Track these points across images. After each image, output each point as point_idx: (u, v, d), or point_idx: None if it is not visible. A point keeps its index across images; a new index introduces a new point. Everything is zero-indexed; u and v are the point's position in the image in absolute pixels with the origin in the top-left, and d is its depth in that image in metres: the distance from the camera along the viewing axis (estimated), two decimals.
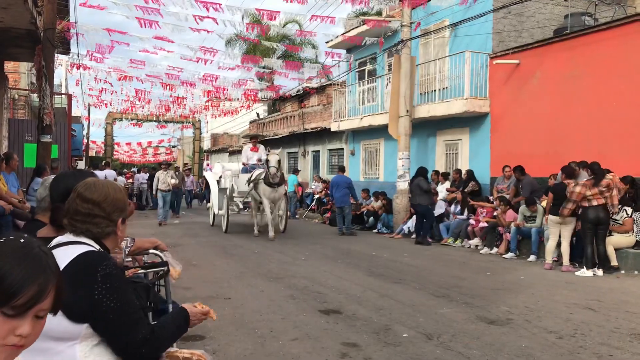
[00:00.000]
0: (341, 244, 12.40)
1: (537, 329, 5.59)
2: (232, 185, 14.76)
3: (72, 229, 2.10)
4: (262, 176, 13.16)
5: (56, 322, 1.77)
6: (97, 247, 2.07)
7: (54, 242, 2.07)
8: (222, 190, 15.46)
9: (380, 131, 17.97)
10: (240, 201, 15.05)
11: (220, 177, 15.80)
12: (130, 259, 3.93)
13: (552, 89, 12.64)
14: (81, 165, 33.12)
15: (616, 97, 11.15)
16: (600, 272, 8.85)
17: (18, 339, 1.28)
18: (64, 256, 1.92)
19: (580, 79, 11.96)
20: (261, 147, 15.39)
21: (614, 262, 9.09)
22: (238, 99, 25.53)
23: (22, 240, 1.33)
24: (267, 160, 12.89)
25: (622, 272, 9.03)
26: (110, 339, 1.95)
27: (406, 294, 7.18)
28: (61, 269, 1.83)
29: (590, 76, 11.75)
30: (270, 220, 13.22)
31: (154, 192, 18.56)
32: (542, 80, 12.95)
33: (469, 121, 15.00)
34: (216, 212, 15.76)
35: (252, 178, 13.77)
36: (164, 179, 17.26)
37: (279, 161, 12.94)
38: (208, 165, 33.83)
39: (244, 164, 15.04)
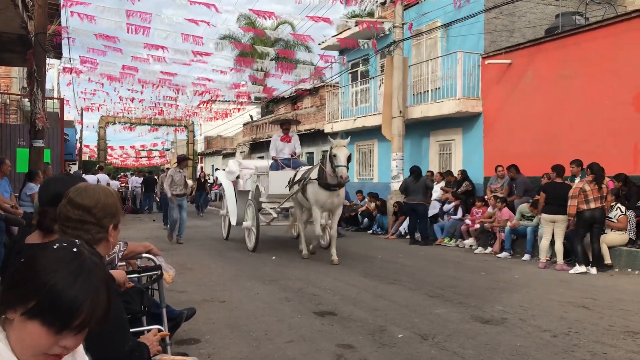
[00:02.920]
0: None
1: (531, 327, 5.60)
2: (258, 187, 11.80)
3: (62, 236, 2.08)
4: (316, 175, 9.97)
5: None
6: None
7: None
8: (242, 195, 12.47)
9: (373, 132, 17.99)
10: (273, 208, 11.71)
11: (237, 177, 12.79)
12: (123, 263, 3.93)
13: (544, 88, 12.69)
14: (76, 169, 32.99)
15: (608, 96, 11.20)
16: (594, 270, 8.89)
17: (61, 349, 1.28)
18: None
19: (572, 78, 12.01)
20: (294, 137, 12.29)
21: (608, 260, 9.12)
22: (233, 101, 25.53)
23: (74, 250, 1.32)
24: (332, 156, 9.46)
25: (616, 270, 9.07)
26: (98, 352, 1.91)
27: (401, 294, 7.18)
28: None
29: (582, 75, 11.80)
30: (321, 236, 10.92)
31: (161, 196, 16.26)
32: (534, 80, 13.00)
33: (462, 121, 15.03)
34: (233, 223, 12.65)
35: (298, 178, 10.67)
36: (180, 180, 12.96)
37: (350, 157, 9.75)
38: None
39: (274, 158, 11.82)
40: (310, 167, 10.88)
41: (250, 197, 12.01)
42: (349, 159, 9.58)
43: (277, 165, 11.63)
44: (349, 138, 10.47)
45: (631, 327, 5.65)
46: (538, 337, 5.26)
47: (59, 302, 1.22)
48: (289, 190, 10.96)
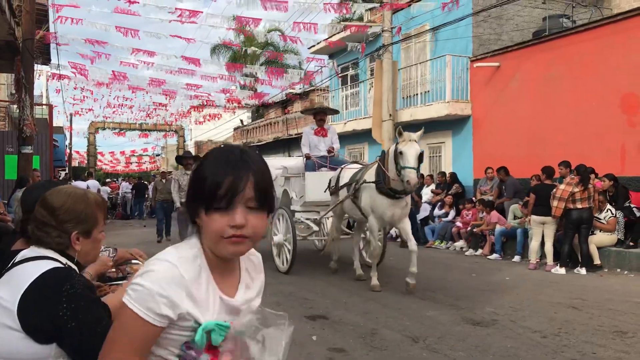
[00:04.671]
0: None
1: (522, 329, 5.64)
2: (287, 192, 9.67)
3: (29, 238, 2.03)
4: (373, 177, 7.67)
5: (24, 344, 1.74)
6: (64, 260, 1.98)
7: (19, 256, 1.97)
8: None
9: (364, 135, 18.02)
10: (310, 219, 9.37)
11: None
12: (113, 270, 3.91)
13: (532, 90, 12.78)
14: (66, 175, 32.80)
15: (595, 98, 11.30)
16: (583, 270, 8.96)
17: (234, 230, 1.41)
18: (27, 274, 1.83)
19: (560, 81, 12.11)
20: (331, 129, 10.11)
21: (597, 261, 9.20)
22: (224, 106, 25.51)
23: (223, 148, 1.54)
24: (397, 153, 7.20)
25: (605, 270, 9.14)
26: (80, 359, 1.86)
27: (392, 297, 7.20)
28: (25, 289, 1.80)
29: (569, 77, 11.90)
30: (373, 254, 8.07)
31: (157, 205, 14.73)
32: (522, 83, 13.09)
33: (451, 124, 15.10)
34: None
35: (346, 181, 8.34)
36: (188, 185, 11.43)
37: (421, 155, 7.34)
38: None
39: (307, 156, 9.55)
40: (361, 166, 8.72)
41: (276, 205, 9.36)
42: (420, 158, 7.23)
43: (313, 165, 9.38)
44: (421, 131, 7.55)
45: (620, 326, 5.70)
46: (528, 338, 5.29)
47: (205, 183, 1.43)
48: (330, 196, 8.89)
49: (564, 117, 11.92)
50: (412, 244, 7.49)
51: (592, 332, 5.49)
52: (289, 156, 25.06)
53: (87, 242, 2.06)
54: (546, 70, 12.43)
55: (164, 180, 15.24)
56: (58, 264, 1.93)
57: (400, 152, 7.14)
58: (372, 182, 7.63)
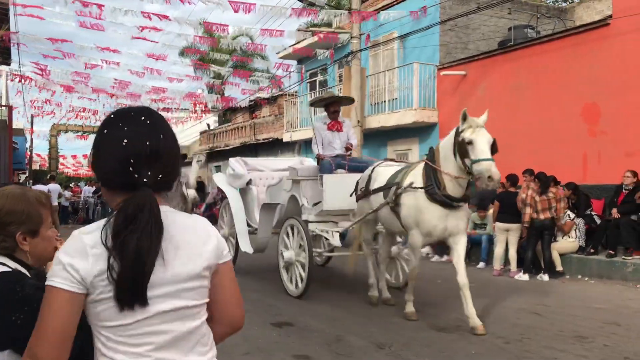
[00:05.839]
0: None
1: (487, 335, 5.68)
2: (295, 198, 8.07)
3: None
4: (420, 180, 6.12)
5: None
6: (13, 264, 1.91)
7: None
8: (267, 210, 8.54)
9: None
10: (328, 231, 7.60)
11: (249, 182, 9.26)
12: None
13: (497, 99, 12.98)
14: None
15: (558, 107, 11.54)
16: (546, 277, 9.11)
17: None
18: None
19: (524, 90, 12.33)
20: (347, 123, 8.51)
21: (559, 267, 9.36)
22: (189, 110, 25.25)
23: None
24: (463, 143, 5.63)
25: (567, 276, 9.30)
26: None
27: (359, 304, 7.18)
28: None
29: (534, 87, 12.13)
30: (412, 275, 6.68)
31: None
32: (488, 91, 13.29)
33: (419, 131, 15.24)
34: (244, 249, 8.87)
35: (380, 184, 6.75)
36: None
37: (494, 145, 5.71)
38: None
39: (319, 156, 7.96)
40: (399, 165, 7.13)
41: (278, 213, 8.37)
42: (493, 147, 5.66)
43: (330, 166, 7.75)
44: (485, 114, 5.98)
45: (580, 332, 5.80)
46: (492, 344, 5.33)
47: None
48: (357, 202, 7.30)
49: (529, 126, 12.14)
50: (461, 275, 5.98)
51: (554, 338, 5.57)
52: None
53: (36, 242, 1.99)
54: (511, 79, 12.65)
55: None
56: (6, 269, 1.87)
57: (469, 142, 5.59)
58: (422, 187, 6.04)
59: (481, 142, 5.55)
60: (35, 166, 43.65)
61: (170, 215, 1.52)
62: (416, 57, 15.32)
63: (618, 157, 10.26)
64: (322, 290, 8.14)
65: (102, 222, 1.48)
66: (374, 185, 6.87)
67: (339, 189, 7.43)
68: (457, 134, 5.76)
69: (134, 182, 1.46)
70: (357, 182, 7.34)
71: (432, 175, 6.02)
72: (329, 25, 21.18)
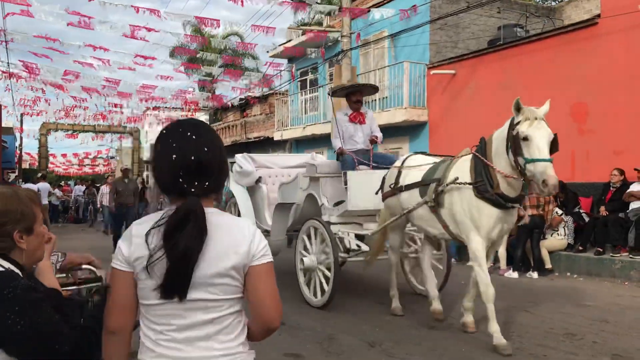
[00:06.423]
0: (286, 254, 12.32)
1: (476, 332, 5.72)
2: (312, 197, 7.28)
3: None
4: (468, 175, 5.37)
5: None
6: (7, 264, 1.92)
7: None
8: (281, 210, 7.91)
9: (323, 140, 18.06)
10: (353, 234, 6.94)
11: (258, 180, 8.59)
12: (64, 275, 3.78)
13: (486, 98, 13.05)
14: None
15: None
16: (535, 274, 9.19)
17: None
18: None
19: (513, 88, 12.37)
20: (370, 114, 7.71)
21: (548, 265, 9.44)
22: (181, 108, 25.16)
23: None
24: (518, 138, 4.91)
25: (556, 274, 9.38)
26: None
27: (351, 302, 7.19)
28: None
29: (522, 85, 12.18)
30: (487, 297, 5.28)
31: (118, 209, 12.67)
32: (477, 90, 13.36)
33: (409, 130, 15.29)
34: None
35: (415, 179, 5.98)
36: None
37: (555, 141, 5.07)
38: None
39: (340, 151, 7.21)
40: (435, 158, 6.25)
41: (292, 213, 7.64)
42: (554, 145, 4.96)
43: (352, 162, 7.00)
44: (547, 104, 5.18)
45: (570, 329, 5.85)
46: (483, 342, 5.37)
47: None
48: (383, 200, 6.55)
49: None
50: (481, 278, 5.32)
51: (544, 335, 5.62)
52: None
53: (31, 239, 2.02)
54: (500, 78, 12.71)
55: (126, 180, 12.98)
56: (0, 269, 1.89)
57: (525, 137, 4.80)
58: (470, 183, 5.26)
59: (539, 138, 4.78)
60: (25, 165, 43.35)
61: (214, 217, 1.72)
62: (406, 56, 15.38)
63: (606, 155, 10.35)
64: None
65: (155, 217, 1.73)
66: (406, 181, 6.07)
67: (364, 187, 6.74)
68: (512, 126, 4.98)
69: (185, 191, 1.70)
70: (384, 179, 6.57)
71: (482, 170, 5.22)
72: (320, 24, 21.21)
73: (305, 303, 7.06)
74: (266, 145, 23.15)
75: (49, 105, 23.54)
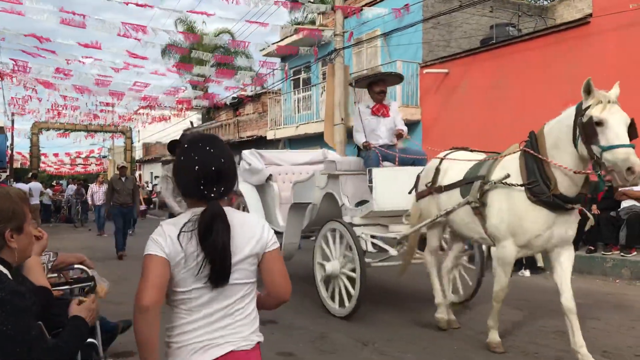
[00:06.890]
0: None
1: (469, 330, 5.74)
2: (331, 196, 6.70)
3: None
4: (519, 174, 4.74)
5: None
6: None
7: None
8: (295, 211, 7.38)
9: (316, 139, 18.04)
10: (379, 238, 6.44)
11: (269, 178, 8.15)
12: (55, 275, 3.76)
13: (479, 96, 13.09)
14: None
15: (539, 104, 11.65)
16: (527, 272, 9.23)
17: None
18: None
19: (505, 87, 12.44)
20: (394, 106, 7.34)
21: (540, 263, 9.46)
22: (172, 107, 25.07)
23: None
24: (590, 124, 4.21)
25: (548, 272, 9.40)
26: None
27: None
28: None
29: (515, 84, 12.25)
30: (497, 297, 5.22)
31: (112, 209, 11.72)
32: (470, 89, 13.39)
33: None
34: None
35: (458, 178, 5.39)
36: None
37: (632, 125, 4.17)
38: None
39: (365, 145, 6.70)
40: (478, 155, 5.71)
41: (308, 214, 7.09)
42: (633, 130, 4.19)
43: (377, 159, 6.45)
44: (616, 86, 4.46)
45: (561, 327, 5.84)
46: (476, 340, 5.38)
47: None
48: (417, 201, 5.95)
49: (510, 123, 12.24)
50: (567, 299, 4.82)
51: (536, 333, 5.64)
52: (240, 159, 24.79)
53: (21, 238, 2.04)
54: (493, 77, 12.75)
55: (123, 179, 11.80)
56: None
57: (599, 122, 4.15)
58: (522, 184, 4.64)
59: (616, 122, 4.12)
60: (17, 164, 43.10)
61: (230, 215, 2.03)
62: (399, 54, 15.39)
63: None
64: (305, 285, 8.15)
65: (179, 221, 2.02)
66: (445, 179, 5.52)
67: (391, 186, 6.15)
68: (580, 112, 4.35)
69: (205, 196, 2.00)
70: (418, 177, 6.02)
71: (536, 169, 4.61)
72: (313, 23, 21.21)
73: (298, 302, 7.03)
74: (259, 144, 23.09)
75: (40, 102, 23.41)
